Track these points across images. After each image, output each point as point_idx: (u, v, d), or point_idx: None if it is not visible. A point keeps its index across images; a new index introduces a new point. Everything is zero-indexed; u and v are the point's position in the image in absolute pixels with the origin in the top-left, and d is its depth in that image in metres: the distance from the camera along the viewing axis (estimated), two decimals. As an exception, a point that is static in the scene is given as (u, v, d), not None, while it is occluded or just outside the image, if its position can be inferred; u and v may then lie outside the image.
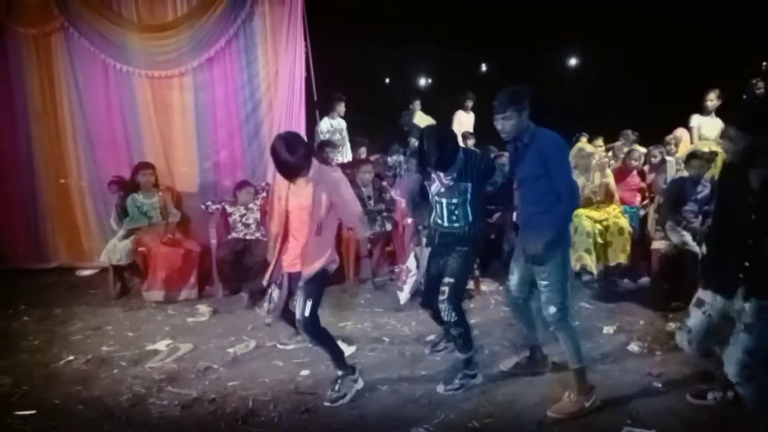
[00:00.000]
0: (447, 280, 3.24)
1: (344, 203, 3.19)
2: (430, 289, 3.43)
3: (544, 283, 3.00)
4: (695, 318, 2.73)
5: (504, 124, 2.94)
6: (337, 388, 3.23)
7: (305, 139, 3.39)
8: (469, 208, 3.23)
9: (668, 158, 5.76)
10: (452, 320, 3.22)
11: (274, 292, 3.33)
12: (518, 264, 3.21)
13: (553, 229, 2.92)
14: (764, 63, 6.05)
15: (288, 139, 3.05)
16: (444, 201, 3.27)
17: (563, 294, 3.01)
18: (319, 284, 3.19)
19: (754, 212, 2.43)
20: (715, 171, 4.79)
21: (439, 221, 3.33)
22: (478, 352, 3.56)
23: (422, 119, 7.61)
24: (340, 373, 3.29)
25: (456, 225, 3.27)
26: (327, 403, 3.17)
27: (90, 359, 3.85)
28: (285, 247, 3.28)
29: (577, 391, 3.00)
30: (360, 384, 3.31)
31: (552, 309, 2.98)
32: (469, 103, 8.27)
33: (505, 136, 3.00)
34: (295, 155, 2.99)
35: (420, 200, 3.57)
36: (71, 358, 3.88)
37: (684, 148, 6.16)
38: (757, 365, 2.41)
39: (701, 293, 2.73)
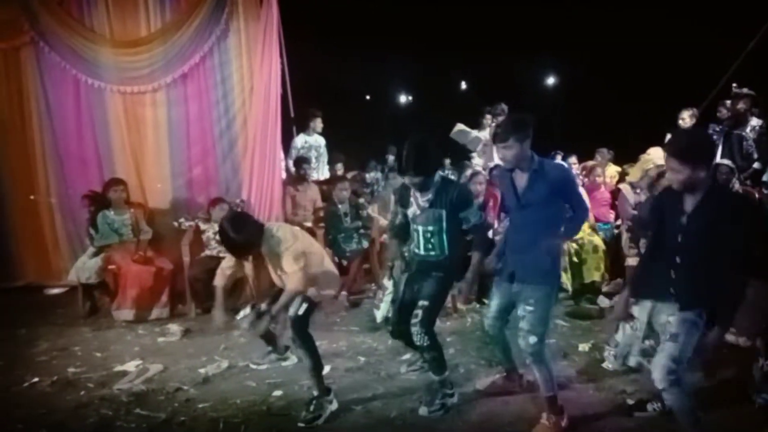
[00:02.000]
0: (421, 303, 3.18)
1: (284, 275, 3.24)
2: (400, 316, 3.35)
3: (529, 309, 2.92)
4: (623, 332, 2.91)
5: (505, 153, 2.93)
6: (311, 409, 3.16)
7: (252, 218, 3.46)
8: (444, 237, 3.19)
9: (621, 186, 5.71)
10: (425, 344, 3.15)
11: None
12: (501, 289, 3.16)
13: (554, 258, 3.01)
14: (734, 85, 6.17)
15: (233, 219, 3.19)
16: (420, 228, 3.24)
17: (545, 325, 2.99)
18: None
19: (682, 233, 2.61)
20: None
21: (416, 250, 3.30)
22: (453, 371, 3.54)
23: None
24: (314, 393, 3.24)
25: (432, 254, 3.24)
26: (300, 425, 3.10)
27: (55, 381, 3.73)
28: None
29: (552, 413, 2.99)
30: (334, 405, 3.25)
31: (532, 339, 2.91)
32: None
33: (505, 165, 3.02)
34: (242, 233, 3.09)
35: (403, 233, 3.52)
36: (35, 380, 3.75)
37: (636, 171, 6.20)
38: (680, 372, 2.58)
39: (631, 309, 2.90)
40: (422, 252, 3.27)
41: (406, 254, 3.53)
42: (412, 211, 3.27)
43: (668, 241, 2.68)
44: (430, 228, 3.20)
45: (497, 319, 3.22)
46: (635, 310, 2.83)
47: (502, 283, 3.14)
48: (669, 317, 2.60)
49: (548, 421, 2.97)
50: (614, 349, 2.85)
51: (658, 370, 2.58)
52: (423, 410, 3.21)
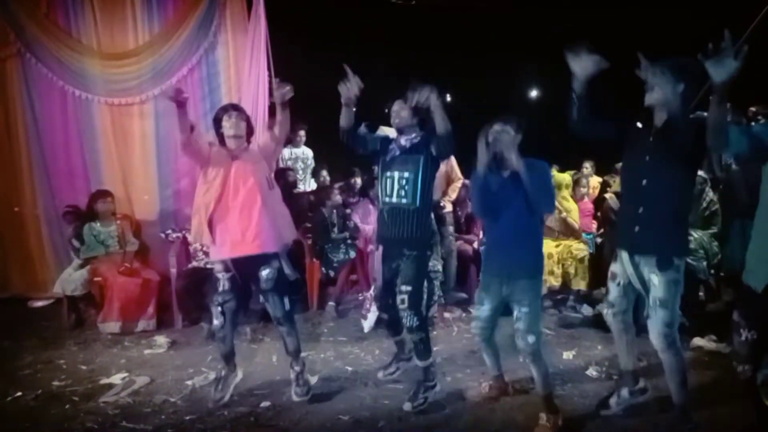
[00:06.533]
0: (404, 288, 3.25)
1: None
2: (385, 293, 3.46)
3: (525, 310, 2.99)
4: (612, 291, 2.99)
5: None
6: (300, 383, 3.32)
7: None
8: (419, 184, 3.24)
9: (607, 195, 5.78)
10: (414, 325, 3.27)
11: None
12: (490, 294, 3.16)
13: (539, 253, 3.14)
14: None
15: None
16: (396, 174, 3.28)
17: (540, 322, 3.12)
18: (283, 277, 3.45)
19: (646, 177, 2.77)
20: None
21: (387, 199, 3.31)
22: (440, 380, 3.57)
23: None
24: (296, 369, 3.48)
25: (404, 201, 3.26)
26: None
27: (39, 395, 3.69)
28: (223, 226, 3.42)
29: (550, 412, 3.08)
30: (315, 378, 3.37)
31: (531, 338, 2.98)
32: None
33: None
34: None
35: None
36: (19, 393, 3.71)
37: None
38: (675, 332, 2.78)
39: (612, 266, 2.99)
40: (394, 199, 3.29)
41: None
42: (391, 153, 3.34)
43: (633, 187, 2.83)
44: (406, 174, 3.26)
45: (489, 322, 3.24)
46: (616, 267, 2.94)
47: (491, 284, 3.15)
48: (650, 274, 2.74)
49: (548, 421, 3.04)
50: (611, 308, 2.97)
51: (655, 336, 2.77)
52: (407, 405, 3.29)
